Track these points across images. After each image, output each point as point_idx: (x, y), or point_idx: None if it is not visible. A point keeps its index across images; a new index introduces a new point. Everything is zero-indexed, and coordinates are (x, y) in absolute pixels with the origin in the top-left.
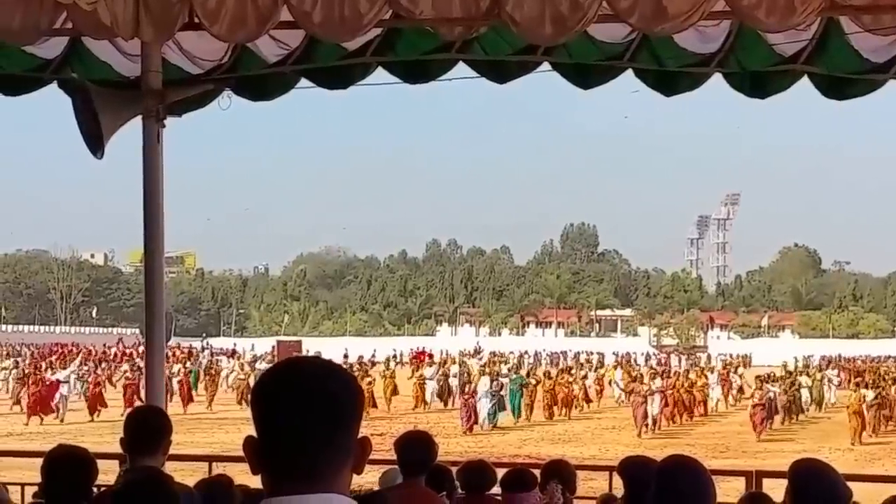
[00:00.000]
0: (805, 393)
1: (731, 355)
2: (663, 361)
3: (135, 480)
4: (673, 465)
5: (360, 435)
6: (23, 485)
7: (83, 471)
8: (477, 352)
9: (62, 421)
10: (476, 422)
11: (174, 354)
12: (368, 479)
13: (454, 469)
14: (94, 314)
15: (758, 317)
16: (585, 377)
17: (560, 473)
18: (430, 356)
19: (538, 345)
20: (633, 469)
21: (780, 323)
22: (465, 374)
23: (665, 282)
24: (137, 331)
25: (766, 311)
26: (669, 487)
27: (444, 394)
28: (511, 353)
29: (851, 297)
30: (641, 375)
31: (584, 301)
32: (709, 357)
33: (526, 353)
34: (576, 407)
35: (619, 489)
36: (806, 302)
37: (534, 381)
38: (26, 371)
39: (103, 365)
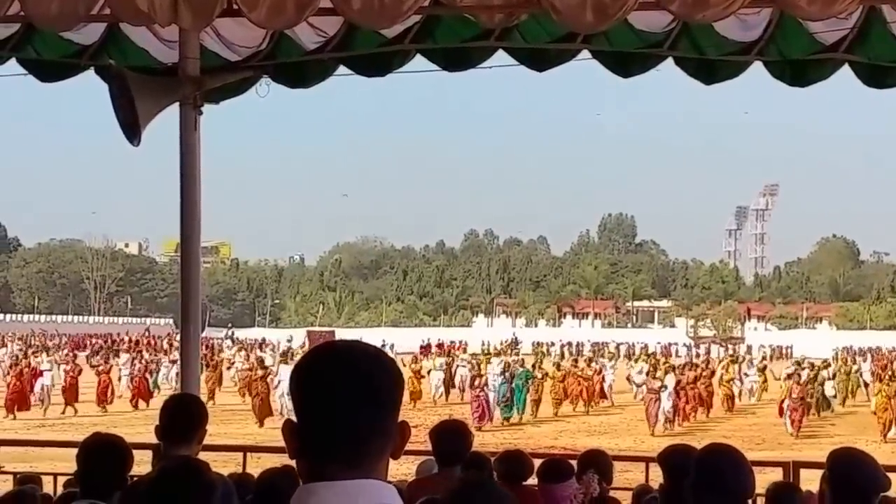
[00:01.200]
0: (830, 386)
1: (768, 347)
2: (684, 354)
3: (170, 468)
4: (712, 453)
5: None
6: (55, 475)
7: (119, 459)
8: (514, 343)
9: (44, 414)
10: (489, 418)
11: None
12: (404, 469)
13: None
14: (128, 304)
15: (795, 308)
16: (601, 370)
17: (597, 464)
18: (449, 347)
19: (575, 336)
20: (673, 458)
21: (818, 314)
22: (476, 367)
23: (703, 273)
24: (171, 321)
25: (804, 303)
26: (709, 475)
27: (449, 387)
28: (553, 343)
29: (890, 288)
30: (654, 370)
31: (622, 292)
32: (749, 349)
33: (569, 343)
34: (591, 403)
35: (654, 481)
36: (844, 293)
37: (539, 375)
38: (11, 362)
39: (98, 356)
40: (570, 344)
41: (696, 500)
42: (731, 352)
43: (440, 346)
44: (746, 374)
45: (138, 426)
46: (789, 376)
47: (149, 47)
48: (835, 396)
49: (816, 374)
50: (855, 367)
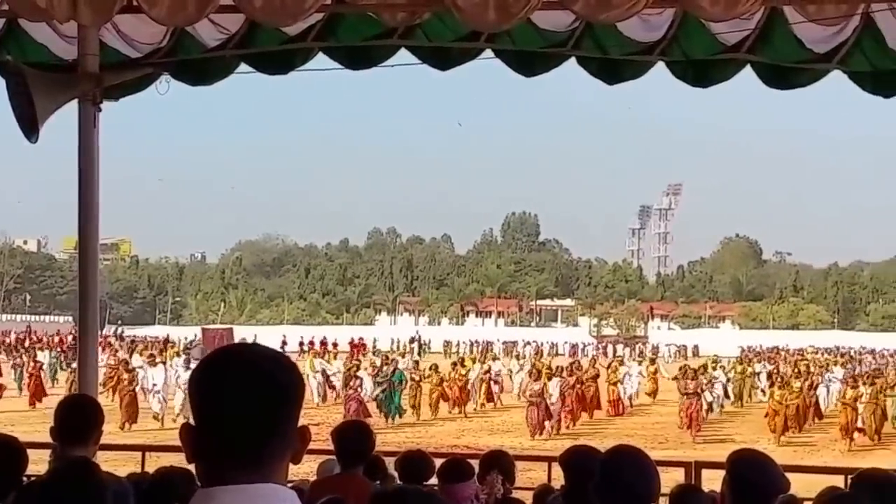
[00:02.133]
0: (720, 388)
1: (673, 346)
2: (592, 353)
3: (62, 470)
4: (617, 455)
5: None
6: None
7: (13, 459)
8: (412, 341)
9: None
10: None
11: (37, 341)
12: (305, 469)
13: (392, 459)
14: (26, 302)
15: (698, 308)
16: (488, 372)
17: (500, 464)
18: (333, 345)
19: (479, 335)
20: (575, 459)
21: (721, 314)
22: (354, 368)
23: (606, 272)
24: (71, 318)
25: (707, 302)
26: (613, 477)
27: (324, 388)
28: (461, 342)
29: (792, 288)
30: (539, 372)
31: (525, 291)
32: (654, 348)
33: (476, 342)
34: (472, 405)
35: (556, 481)
36: (746, 293)
37: (417, 378)
38: None
39: None
40: (478, 343)
41: (601, 502)
42: (639, 351)
43: (322, 343)
44: (630, 375)
45: None
46: (683, 376)
47: (48, 43)
48: (728, 397)
49: (710, 375)
50: (751, 369)
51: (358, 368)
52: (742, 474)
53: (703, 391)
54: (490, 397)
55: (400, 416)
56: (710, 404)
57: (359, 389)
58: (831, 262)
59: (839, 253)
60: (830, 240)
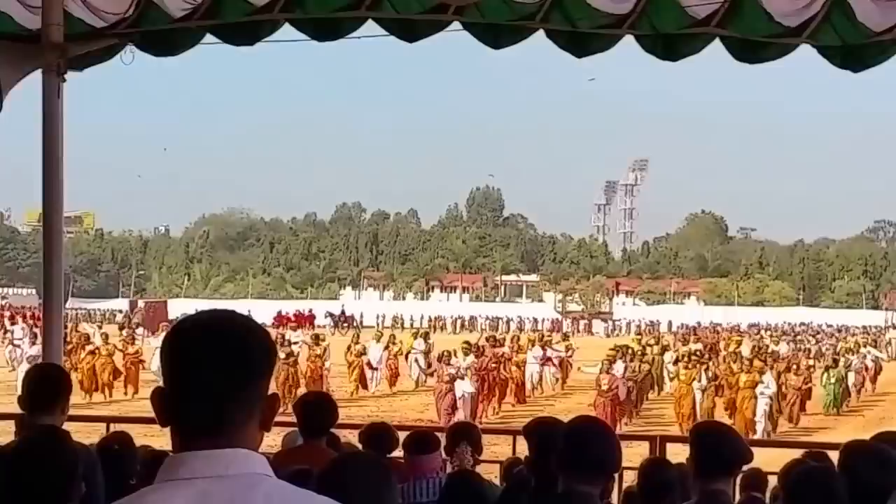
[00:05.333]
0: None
1: (641, 321)
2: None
3: (31, 438)
4: (580, 425)
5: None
6: None
7: None
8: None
9: None
10: None
11: None
12: (269, 441)
13: (356, 432)
14: None
15: (663, 284)
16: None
17: (468, 435)
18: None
19: (443, 310)
20: (539, 430)
21: (686, 290)
22: None
23: (571, 247)
24: (34, 291)
25: (672, 278)
26: (576, 447)
27: None
28: (436, 317)
29: (757, 264)
30: (449, 354)
31: (490, 266)
32: (629, 325)
33: (459, 317)
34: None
35: (522, 453)
36: (712, 269)
37: (283, 355)
38: None
39: None
40: (461, 317)
41: (563, 471)
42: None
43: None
44: (533, 362)
45: None
46: (599, 368)
47: (12, 12)
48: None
49: (637, 361)
50: (684, 348)
51: None
52: (707, 445)
53: (617, 388)
54: (363, 383)
55: None
56: (627, 395)
57: None
58: (797, 239)
59: (805, 230)
60: (796, 216)
